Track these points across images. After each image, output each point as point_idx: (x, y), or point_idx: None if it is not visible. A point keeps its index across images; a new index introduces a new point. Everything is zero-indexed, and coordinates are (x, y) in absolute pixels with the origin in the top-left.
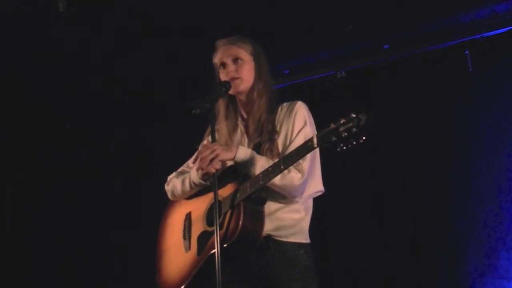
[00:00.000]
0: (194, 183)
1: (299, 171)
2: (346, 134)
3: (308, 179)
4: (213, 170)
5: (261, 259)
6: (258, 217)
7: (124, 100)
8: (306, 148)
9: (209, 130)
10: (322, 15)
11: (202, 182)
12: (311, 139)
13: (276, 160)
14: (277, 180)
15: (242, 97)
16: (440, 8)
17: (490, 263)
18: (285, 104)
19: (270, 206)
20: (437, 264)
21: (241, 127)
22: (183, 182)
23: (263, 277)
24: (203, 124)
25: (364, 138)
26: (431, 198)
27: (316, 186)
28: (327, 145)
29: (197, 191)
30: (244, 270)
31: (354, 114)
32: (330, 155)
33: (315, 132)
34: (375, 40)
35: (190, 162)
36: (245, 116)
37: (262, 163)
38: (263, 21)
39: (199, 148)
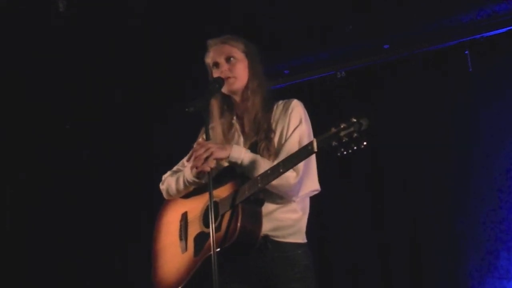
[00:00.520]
0: (188, 181)
1: (294, 170)
2: (346, 139)
3: (303, 178)
4: (208, 169)
5: (260, 259)
6: (256, 218)
7: (124, 100)
8: (306, 151)
9: (204, 128)
10: (322, 15)
11: (196, 180)
12: (311, 143)
13: (273, 159)
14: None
15: (237, 96)
16: (440, 8)
17: (490, 263)
18: (280, 102)
19: (268, 206)
20: (437, 264)
21: (236, 126)
22: (177, 180)
23: (262, 277)
24: (202, 123)
25: (365, 143)
26: (431, 198)
27: (312, 184)
28: (328, 150)
29: (193, 191)
30: (243, 271)
31: (355, 119)
32: (330, 155)
33: (311, 130)
34: (375, 40)
35: (184, 160)
36: (240, 115)
37: (258, 163)
38: (263, 21)
39: (194, 146)
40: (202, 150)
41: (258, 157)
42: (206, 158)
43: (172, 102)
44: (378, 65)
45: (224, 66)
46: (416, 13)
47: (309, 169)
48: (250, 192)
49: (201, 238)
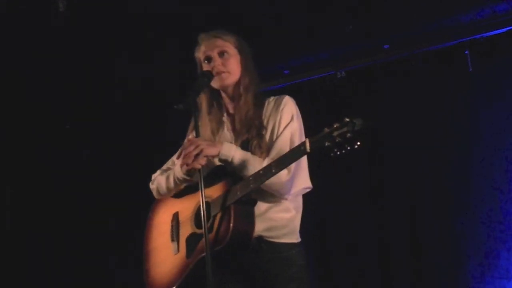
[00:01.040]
0: (178, 179)
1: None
2: (340, 139)
3: (295, 175)
4: (198, 166)
5: (255, 260)
6: (249, 219)
7: (124, 100)
8: (299, 152)
9: (192, 124)
10: (322, 15)
11: (187, 178)
12: (304, 144)
13: (264, 156)
14: None
15: (228, 92)
16: (440, 8)
17: (490, 263)
18: (272, 98)
19: (260, 206)
20: (437, 264)
21: (227, 124)
22: (167, 178)
23: (259, 278)
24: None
25: (359, 143)
26: (431, 198)
27: (304, 182)
28: (321, 150)
29: (184, 190)
30: (237, 272)
31: (348, 118)
32: (330, 156)
33: (302, 127)
34: (375, 40)
35: (174, 158)
36: (231, 111)
37: (249, 161)
38: (263, 21)
39: (184, 143)
40: (192, 147)
41: (248, 154)
42: (196, 155)
43: (172, 102)
44: (378, 65)
45: (217, 60)
46: (416, 13)
47: (301, 166)
48: (242, 193)
49: (193, 239)
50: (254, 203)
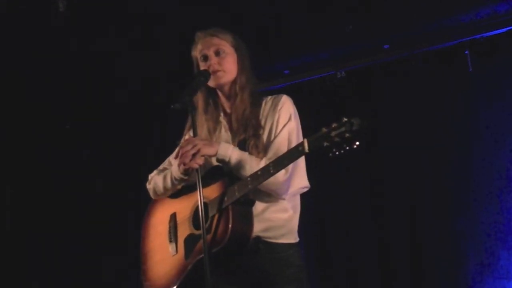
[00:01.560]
0: (176, 178)
1: None
2: (338, 139)
3: (292, 175)
4: (196, 166)
5: (254, 260)
6: (247, 219)
7: (124, 100)
8: (297, 152)
9: (189, 124)
10: (322, 15)
11: (184, 177)
12: (302, 144)
13: (262, 156)
14: None
15: (224, 91)
16: (440, 8)
17: (490, 263)
18: (269, 97)
19: (257, 206)
20: (437, 264)
21: (224, 123)
22: (164, 178)
23: (257, 278)
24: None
25: (357, 143)
26: (431, 198)
27: (301, 181)
28: (319, 150)
29: (181, 191)
30: (236, 272)
31: (346, 118)
32: (328, 156)
33: (300, 127)
34: (375, 40)
35: (171, 158)
36: (227, 111)
37: (246, 161)
38: (263, 21)
39: (181, 142)
40: (189, 146)
41: (246, 155)
42: (194, 155)
43: (172, 102)
44: (378, 65)
45: (213, 59)
46: (416, 13)
47: (298, 166)
48: (240, 193)
49: (191, 240)
50: (252, 204)
